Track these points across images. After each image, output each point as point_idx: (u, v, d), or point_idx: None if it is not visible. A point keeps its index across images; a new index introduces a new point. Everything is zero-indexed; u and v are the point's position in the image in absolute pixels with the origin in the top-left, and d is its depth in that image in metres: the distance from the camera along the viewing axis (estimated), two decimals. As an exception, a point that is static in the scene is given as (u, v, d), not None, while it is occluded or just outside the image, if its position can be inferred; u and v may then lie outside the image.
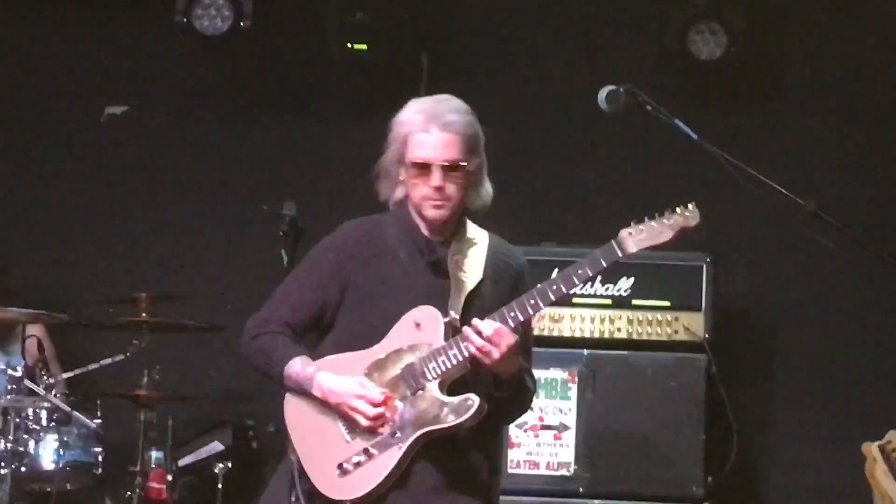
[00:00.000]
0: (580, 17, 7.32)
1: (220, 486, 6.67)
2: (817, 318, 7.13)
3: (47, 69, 7.59)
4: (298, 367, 4.38)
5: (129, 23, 7.35)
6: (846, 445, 6.29)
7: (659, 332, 6.36)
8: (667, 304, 6.32)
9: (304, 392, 4.43)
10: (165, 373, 6.56)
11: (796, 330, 7.16)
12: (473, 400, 4.25)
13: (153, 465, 6.58)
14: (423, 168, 4.31)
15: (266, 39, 7.16)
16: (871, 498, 6.11)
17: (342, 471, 4.32)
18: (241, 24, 6.94)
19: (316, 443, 4.43)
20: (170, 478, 6.62)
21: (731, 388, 6.37)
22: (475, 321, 4.20)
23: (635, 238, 4.23)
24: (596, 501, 6.22)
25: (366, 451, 4.31)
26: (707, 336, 6.29)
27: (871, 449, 6.03)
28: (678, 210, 4.20)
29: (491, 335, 4.18)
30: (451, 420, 4.28)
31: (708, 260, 6.28)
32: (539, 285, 4.31)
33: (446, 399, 4.30)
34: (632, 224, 4.19)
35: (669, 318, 6.32)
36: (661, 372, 6.26)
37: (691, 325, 6.29)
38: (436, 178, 4.31)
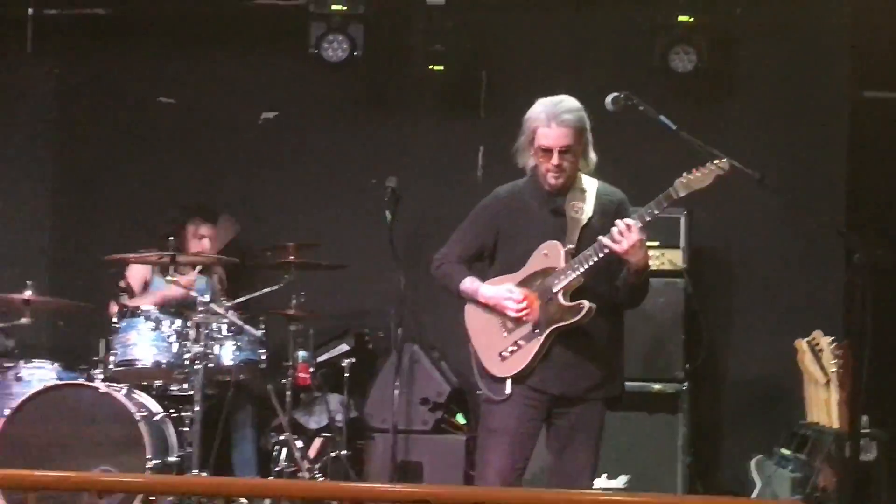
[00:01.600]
0: (593, 45, 7.25)
1: (346, 374, 6.74)
2: (761, 252, 7.12)
3: (224, 87, 7.56)
4: (468, 284, 4.62)
5: (279, 54, 7.32)
6: (784, 342, 6.40)
7: (653, 264, 5.87)
8: (656, 243, 6.14)
9: (474, 302, 4.62)
10: (308, 297, 6.58)
11: (747, 260, 7.16)
12: (584, 304, 4.41)
13: (300, 361, 6.64)
14: (546, 152, 4.46)
15: (373, 63, 7.09)
16: (802, 379, 6.23)
17: (501, 357, 4.51)
18: (356, 53, 6.90)
19: (484, 338, 4.60)
20: (311, 370, 6.71)
21: (701, 302, 6.43)
22: (617, 222, 4.34)
23: (685, 185, 4.35)
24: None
25: (516, 342, 4.49)
26: (685, 266, 6.35)
27: (802, 344, 6.13)
28: (715, 162, 4.32)
29: (624, 229, 4.29)
30: (570, 319, 4.43)
31: (685, 212, 6.31)
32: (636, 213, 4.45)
33: (567, 304, 4.44)
34: (683, 174, 4.33)
35: (658, 254, 6.21)
36: (652, 292, 5.75)
37: (673, 258, 6.33)
38: (554, 158, 4.46)
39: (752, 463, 6.23)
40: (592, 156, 4.58)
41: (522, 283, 4.53)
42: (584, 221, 4.56)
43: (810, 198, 7.00)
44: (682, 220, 6.31)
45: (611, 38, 7.23)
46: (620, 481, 5.97)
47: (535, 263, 4.55)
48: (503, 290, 4.53)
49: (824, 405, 5.96)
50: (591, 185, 4.63)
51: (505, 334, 4.55)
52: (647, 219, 4.37)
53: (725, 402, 7.07)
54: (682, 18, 6.79)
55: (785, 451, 6.07)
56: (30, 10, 7.25)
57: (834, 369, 5.87)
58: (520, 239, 4.62)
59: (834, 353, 5.91)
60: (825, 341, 5.99)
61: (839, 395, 5.84)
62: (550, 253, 4.51)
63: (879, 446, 5.78)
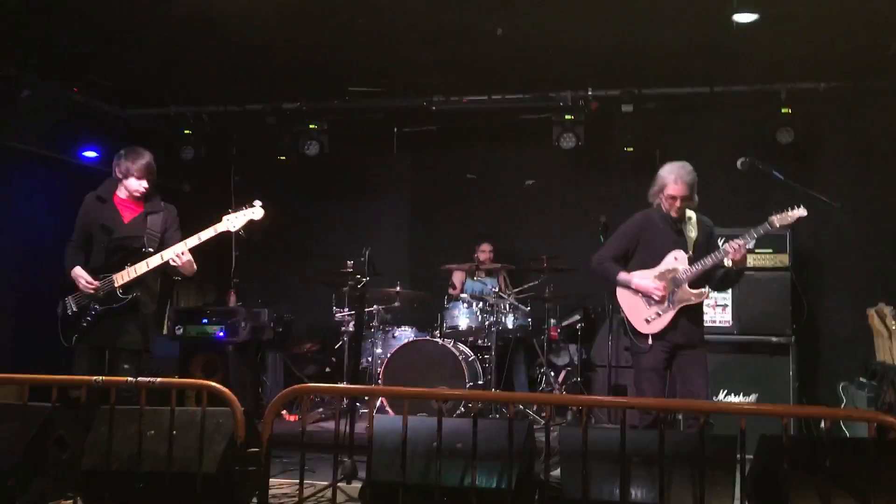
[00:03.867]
0: (727, 129, 7.12)
1: (579, 332, 6.90)
2: (841, 253, 6.97)
3: (502, 166, 7.81)
4: (623, 275, 4.54)
5: (536, 145, 7.40)
6: (859, 310, 6.26)
7: (769, 263, 6.08)
8: (770, 250, 6.08)
9: (625, 286, 4.54)
10: (555, 287, 6.78)
11: (831, 259, 7.00)
12: (704, 290, 4.47)
13: (552, 325, 6.86)
14: (673, 198, 4.48)
15: (590, 148, 7.06)
16: (872, 334, 6.05)
17: (647, 321, 4.46)
18: (580, 143, 6.94)
19: (633, 309, 4.52)
20: (558, 330, 6.95)
21: (802, 286, 6.17)
22: (730, 241, 4.33)
23: (778, 221, 4.26)
24: (742, 337, 6.03)
25: (657, 313, 4.44)
26: (790, 264, 6.11)
27: (872, 311, 6.06)
28: (797, 207, 4.28)
29: (737, 247, 4.30)
30: (693, 300, 4.44)
31: (790, 230, 5.91)
32: (737, 238, 4.33)
33: (692, 290, 4.45)
34: (773, 213, 4.24)
35: (772, 257, 6.09)
36: (770, 279, 6.10)
37: (782, 259, 6.11)
38: (678, 202, 4.48)
39: (840, 387, 6.03)
40: (696, 198, 4.53)
41: (658, 277, 4.49)
42: (694, 238, 4.57)
43: (873, 216, 6.81)
44: (788, 235, 6.11)
45: (738, 123, 7.17)
46: (752, 397, 5.86)
47: (667, 262, 4.50)
48: (650, 280, 4.47)
49: (888, 350, 5.87)
50: (695, 215, 4.63)
51: (648, 307, 4.45)
52: (750, 241, 4.40)
53: (820, 348, 6.90)
54: (784, 110, 6.74)
55: (862, 380, 5.93)
56: (395, 129, 7.81)
57: (894, 327, 5.79)
58: (654, 246, 4.55)
59: (893, 316, 5.84)
60: (887, 309, 5.94)
61: (898, 344, 6.00)
62: (679, 257, 4.50)
63: (926, 376, 5.64)
